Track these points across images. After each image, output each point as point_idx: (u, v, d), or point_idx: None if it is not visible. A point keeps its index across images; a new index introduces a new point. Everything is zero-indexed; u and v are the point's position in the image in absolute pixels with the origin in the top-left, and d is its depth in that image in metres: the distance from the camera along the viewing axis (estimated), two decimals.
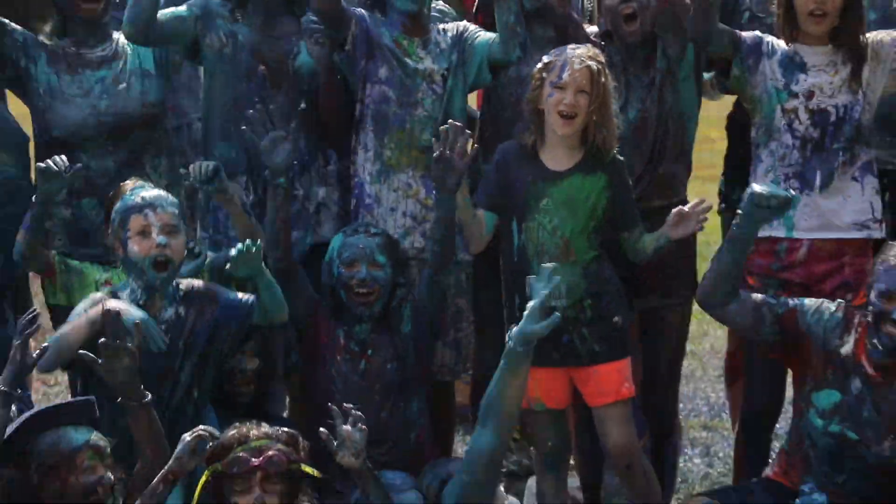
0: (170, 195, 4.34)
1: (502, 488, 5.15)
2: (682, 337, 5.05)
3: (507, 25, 4.67)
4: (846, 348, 4.16)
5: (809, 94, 4.67)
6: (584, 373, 4.48)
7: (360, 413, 3.79)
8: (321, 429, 3.81)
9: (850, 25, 4.64)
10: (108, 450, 3.75)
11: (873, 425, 4.07)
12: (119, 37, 4.93)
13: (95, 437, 3.74)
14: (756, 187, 4.16)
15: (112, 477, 3.71)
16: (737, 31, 4.81)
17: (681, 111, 4.89)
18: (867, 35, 4.71)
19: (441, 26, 4.90)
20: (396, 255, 4.61)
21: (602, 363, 4.46)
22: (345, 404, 3.83)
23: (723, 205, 5.34)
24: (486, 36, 4.83)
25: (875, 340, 4.04)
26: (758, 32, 4.83)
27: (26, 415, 3.85)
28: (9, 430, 3.73)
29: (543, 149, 4.47)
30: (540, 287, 3.91)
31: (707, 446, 6.24)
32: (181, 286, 4.31)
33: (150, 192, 4.28)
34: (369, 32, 4.78)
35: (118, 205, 4.25)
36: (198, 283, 4.40)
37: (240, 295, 4.36)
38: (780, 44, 4.73)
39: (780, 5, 4.70)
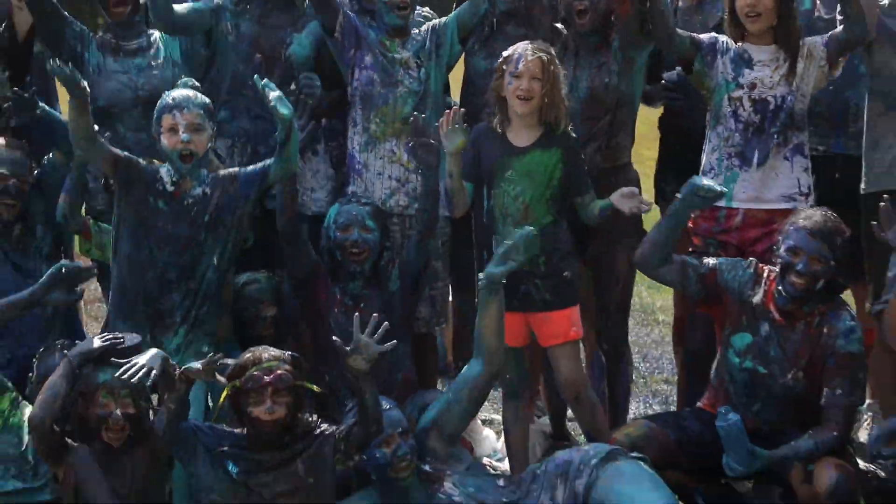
0: (199, 95, 5.04)
1: (491, 433, 5.92)
2: (628, 277, 5.70)
3: None
4: (757, 298, 4.88)
5: (752, 86, 5.35)
6: (539, 318, 5.18)
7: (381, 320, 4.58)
8: (334, 337, 4.57)
9: (787, 27, 5.32)
10: (125, 391, 4.41)
11: (779, 361, 4.78)
12: (154, 32, 5.83)
13: (113, 379, 4.42)
14: (697, 179, 4.90)
15: (119, 414, 4.37)
16: (695, 34, 5.48)
17: (632, 93, 5.63)
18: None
19: (419, 28, 5.66)
20: (383, 222, 5.33)
21: (553, 310, 5.16)
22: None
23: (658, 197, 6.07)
24: (452, 14, 5.64)
25: (781, 289, 4.76)
26: (714, 34, 5.51)
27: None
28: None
29: (508, 129, 5.17)
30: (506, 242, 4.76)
31: (666, 397, 6.93)
32: (212, 172, 5.10)
33: (180, 92, 5.02)
34: (357, 28, 5.53)
35: (157, 103, 5.03)
36: (227, 170, 5.17)
37: (254, 166, 5.15)
38: (733, 43, 5.41)
39: (727, 10, 5.40)
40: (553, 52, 5.17)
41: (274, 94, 4.84)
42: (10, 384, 4.89)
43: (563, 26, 5.63)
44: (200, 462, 4.47)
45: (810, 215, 4.84)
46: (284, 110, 4.84)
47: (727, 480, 4.89)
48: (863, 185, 5.53)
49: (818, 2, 5.83)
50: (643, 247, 5.06)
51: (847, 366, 4.74)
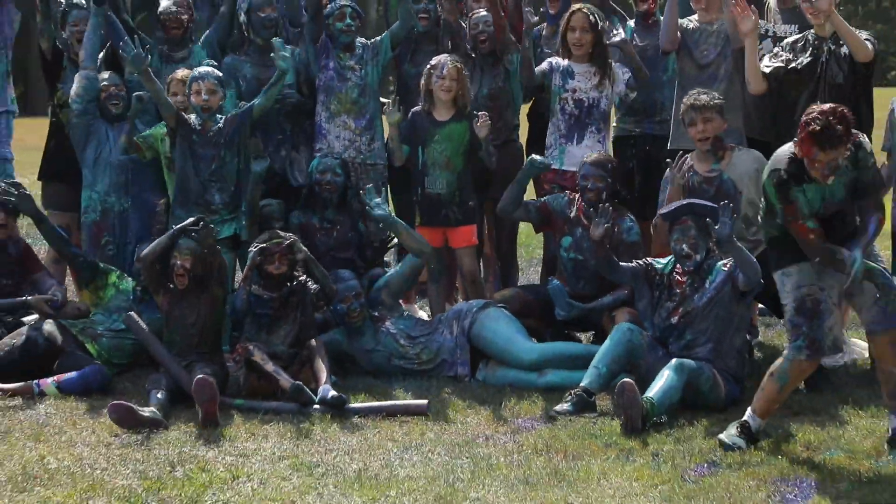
0: (214, 71, 7.98)
1: (423, 312, 8.70)
2: None
3: (406, 9, 8.50)
4: (572, 213, 7.81)
5: (574, 91, 8.30)
6: (452, 230, 8.19)
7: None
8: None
9: (600, 53, 8.26)
10: (187, 252, 7.14)
11: (590, 251, 7.58)
12: (195, 46, 8.68)
13: (182, 242, 7.16)
14: (534, 158, 7.86)
15: (180, 264, 7.09)
16: (543, 66, 8.40)
17: (512, 92, 8.66)
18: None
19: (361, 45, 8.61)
20: (346, 170, 8.27)
21: (461, 225, 8.17)
22: None
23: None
24: (387, 32, 8.61)
25: (584, 203, 7.73)
26: (550, 60, 8.43)
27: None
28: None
29: (434, 109, 8.13)
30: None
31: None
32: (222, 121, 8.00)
33: (202, 69, 7.95)
34: (325, 44, 8.53)
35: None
36: (230, 113, 8.06)
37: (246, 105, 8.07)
38: (562, 61, 8.33)
39: (560, 39, 8.34)
40: (462, 62, 8.14)
41: (283, 52, 7.85)
42: (112, 267, 7.81)
43: (470, 48, 8.59)
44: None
45: (591, 155, 7.81)
46: (283, 64, 7.86)
47: (560, 323, 7.80)
48: (669, 144, 8.29)
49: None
50: (503, 200, 7.97)
51: (629, 251, 7.58)
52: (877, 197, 6.07)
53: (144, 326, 7.15)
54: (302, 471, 5.72)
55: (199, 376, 6.49)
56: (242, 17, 8.62)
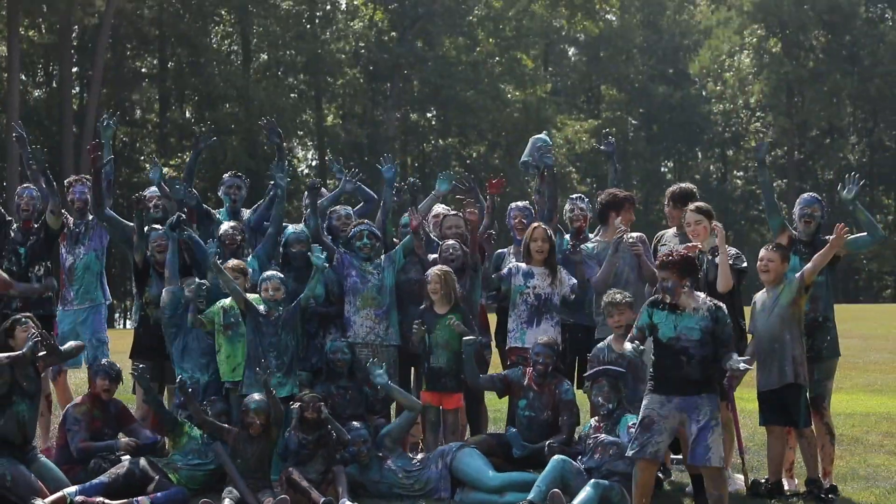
0: (279, 274, 11.11)
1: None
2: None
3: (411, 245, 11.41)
4: (525, 382, 10.62)
5: (534, 287, 11.13)
6: (447, 396, 10.97)
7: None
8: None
9: (551, 260, 11.13)
10: (260, 411, 10.20)
11: (539, 409, 10.44)
12: (250, 259, 11.64)
13: (258, 403, 10.19)
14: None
15: (258, 423, 10.12)
16: (502, 273, 11.32)
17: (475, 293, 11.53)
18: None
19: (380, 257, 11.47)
20: (352, 350, 11.29)
21: (454, 393, 10.96)
22: None
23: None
24: (401, 244, 11.43)
25: (535, 374, 10.57)
26: (508, 266, 11.32)
27: None
28: None
29: (435, 307, 11.05)
30: None
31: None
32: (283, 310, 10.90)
33: (270, 272, 11.18)
34: (345, 259, 11.39)
35: None
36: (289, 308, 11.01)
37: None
38: (523, 265, 11.18)
39: (523, 247, 11.21)
40: (451, 270, 10.96)
41: (317, 253, 10.85)
42: (187, 420, 10.58)
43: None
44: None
45: (543, 338, 10.56)
46: (317, 261, 10.83)
47: (516, 460, 10.45)
48: (596, 333, 11.12)
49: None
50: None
51: (567, 406, 10.39)
52: (731, 348, 8.89)
53: (227, 457, 9.96)
54: None
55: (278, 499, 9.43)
56: (281, 248, 11.58)
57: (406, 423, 10.72)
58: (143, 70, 59.38)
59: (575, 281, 11.28)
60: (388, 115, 59.01)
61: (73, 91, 52.99)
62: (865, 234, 10.63)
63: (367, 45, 60.28)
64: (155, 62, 59.21)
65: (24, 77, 50.63)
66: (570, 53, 73.13)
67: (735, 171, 72.88)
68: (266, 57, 60.54)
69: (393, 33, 60.73)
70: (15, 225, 11.99)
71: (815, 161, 69.51)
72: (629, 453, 9.05)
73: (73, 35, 52.74)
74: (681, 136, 68.76)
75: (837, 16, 65.53)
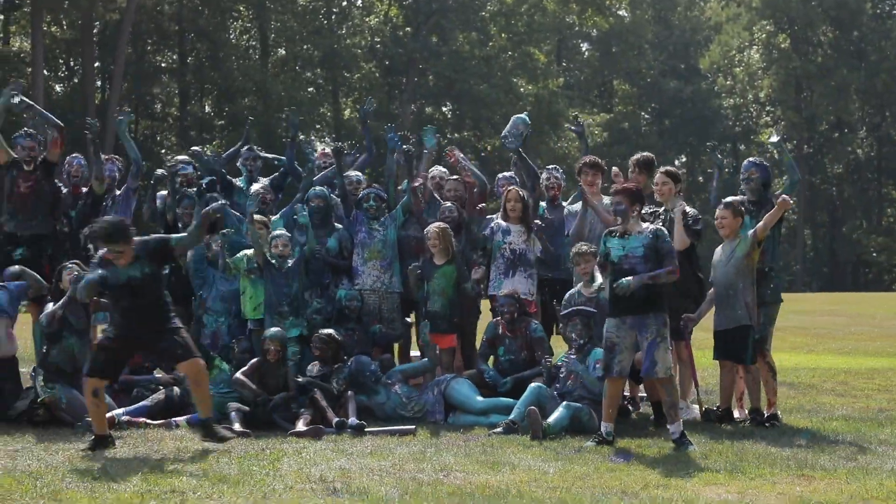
0: (286, 233, 12.81)
1: None
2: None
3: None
4: (500, 331, 12.17)
5: (510, 242, 12.69)
6: (440, 336, 12.50)
7: None
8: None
9: (526, 217, 12.65)
10: (275, 343, 11.71)
11: (515, 351, 12.04)
12: (275, 219, 13.28)
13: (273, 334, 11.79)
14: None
15: (273, 350, 11.67)
16: (484, 230, 12.95)
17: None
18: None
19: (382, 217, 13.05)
20: (361, 297, 12.84)
21: (447, 334, 12.49)
22: None
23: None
24: (400, 204, 13.03)
25: (506, 322, 12.12)
26: (490, 225, 12.96)
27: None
28: None
29: (433, 258, 12.59)
30: None
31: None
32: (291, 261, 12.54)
33: (280, 231, 12.71)
34: (358, 217, 12.97)
35: None
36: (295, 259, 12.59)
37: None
38: (502, 223, 12.71)
39: (502, 207, 12.77)
40: (448, 226, 12.50)
41: (302, 212, 12.44)
42: (216, 355, 12.14)
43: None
44: None
45: (504, 290, 12.13)
46: (302, 220, 12.48)
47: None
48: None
49: None
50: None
51: (537, 342, 11.96)
52: (672, 262, 10.35)
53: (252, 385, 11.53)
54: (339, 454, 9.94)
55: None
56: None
57: (421, 367, 12.49)
58: (163, 65, 61.00)
59: (540, 246, 12.89)
60: (404, 108, 60.37)
61: (95, 85, 54.36)
62: (787, 179, 12.14)
63: (383, 40, 61.63)
64: (175, 57, 60.78)
65: (46, 72, 51.95)
66: (582, 48, 74.55)
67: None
68: (284, 52, 62.11)
69: (408, 28, 62.16)
70: (65, 190, 13.46)
71: (824, 155, 70.92)
72: (598, 374, 10.61)
73: (95, 31, 54.21)
74: (692, 130, 70.07)
75: (845, 12, 67.00)
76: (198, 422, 10.24)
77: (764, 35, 70.39)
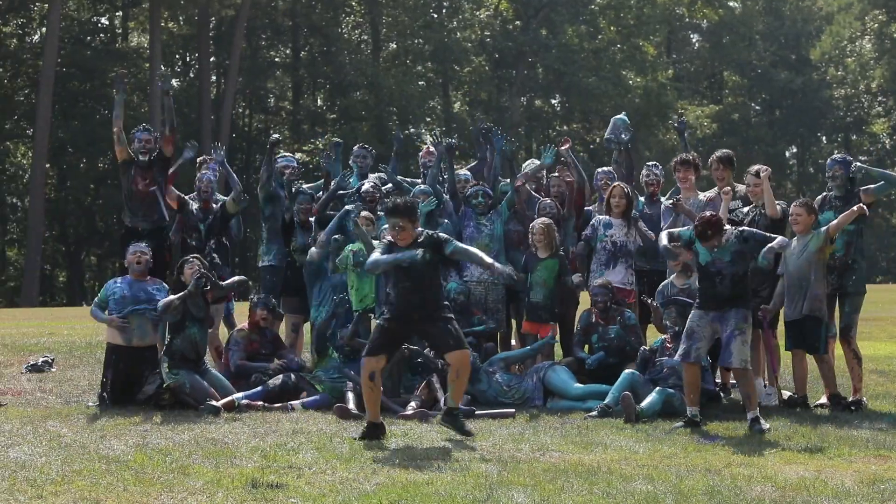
0: None
1: None
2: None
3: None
4: (594, 320, 12.79)
5: (612, 235, 13.31)
6: (542, 326, 13.15)
7: None
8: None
9: (627, 212, 13.29)
10: None
11: (608, 339, 12.66)
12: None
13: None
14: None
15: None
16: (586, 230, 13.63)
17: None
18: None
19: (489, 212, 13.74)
20: (464, 291, 13.45)
21: (547, 324, 13.13)
22: None
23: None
24: (505, 200, 13.73)
25: (599, 311, 12.72)
26: (592, 221, 13.65)
27: None
28: None
29: (537, 251, 13.27)
30: None
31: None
32: None
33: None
34: (466, 213, 13.71)
35: None
36: None
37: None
38: (603, 217, 13.36)
39: (605, 202, 13.43)
40: (552, 222, 13.15)
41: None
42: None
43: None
44: None
45: (598, 280, 12.79)
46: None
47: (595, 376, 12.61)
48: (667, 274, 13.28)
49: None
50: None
51: (631, 330, 12.59)
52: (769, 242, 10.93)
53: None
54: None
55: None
56: None
57: (521, 355, 13.12)
58: (276, 59, 62.26)
59: (641, 242, 13.46)
60: (513, 101, 60.96)
61: (211, 80, 55.56)
62: (882, 182, 12.55)
63: (493, 34, 62.24)
64: (288, 52, 62.02)
65: (164, 67, 53.24)
66: (692, 40, 74.49)
67: (859, 157, 73.53)
68: (395, 46, 62.93)
69: (517, 22, 62.71)
70: (196, 205, 14.17)
71: None
72: (677, 357, 11.25)
73: (211, 26, 55.52)
74: (803, 121, 69.63)
75: None
76: (446, 411, 10.50)
77: (876, 25, 69.70)
